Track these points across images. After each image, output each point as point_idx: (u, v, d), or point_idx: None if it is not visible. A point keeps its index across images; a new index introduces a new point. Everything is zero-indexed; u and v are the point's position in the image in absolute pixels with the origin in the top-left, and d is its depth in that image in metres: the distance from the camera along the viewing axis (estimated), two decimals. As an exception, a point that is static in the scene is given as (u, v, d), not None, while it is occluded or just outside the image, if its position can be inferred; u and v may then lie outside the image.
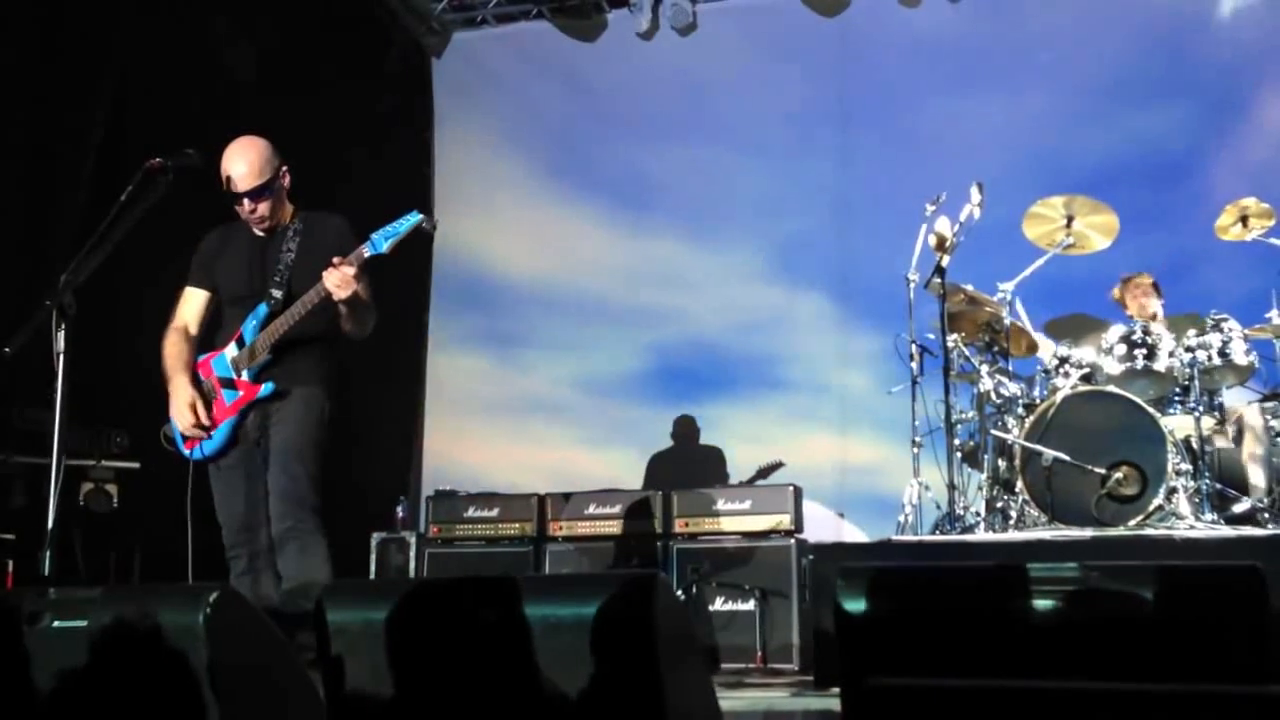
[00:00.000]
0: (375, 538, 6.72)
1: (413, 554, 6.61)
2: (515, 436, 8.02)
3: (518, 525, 6.53)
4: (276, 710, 2.46)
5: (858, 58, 7.66)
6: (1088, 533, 4.73)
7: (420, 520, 6.94)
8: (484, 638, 2.35)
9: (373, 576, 6.56)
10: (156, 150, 3.74)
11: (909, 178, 6.96)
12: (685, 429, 7.57)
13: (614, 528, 6.43)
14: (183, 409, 4.09)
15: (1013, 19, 7.37)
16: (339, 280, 3.89)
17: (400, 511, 6.99)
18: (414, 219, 3.96)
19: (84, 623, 2.41)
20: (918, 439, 5.53)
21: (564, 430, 7.96)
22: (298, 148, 4.33)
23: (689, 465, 7.40)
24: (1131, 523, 4.80)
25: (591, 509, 6.49)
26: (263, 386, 4.08)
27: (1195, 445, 5.06)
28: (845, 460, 7.31)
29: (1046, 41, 7.29)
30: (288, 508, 3.96)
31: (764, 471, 6.89)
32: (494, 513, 6.59)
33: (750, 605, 5.95)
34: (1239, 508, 5.16)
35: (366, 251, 3.96)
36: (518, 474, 7.52)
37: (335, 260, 3.91)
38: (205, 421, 4.08)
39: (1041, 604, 2.13)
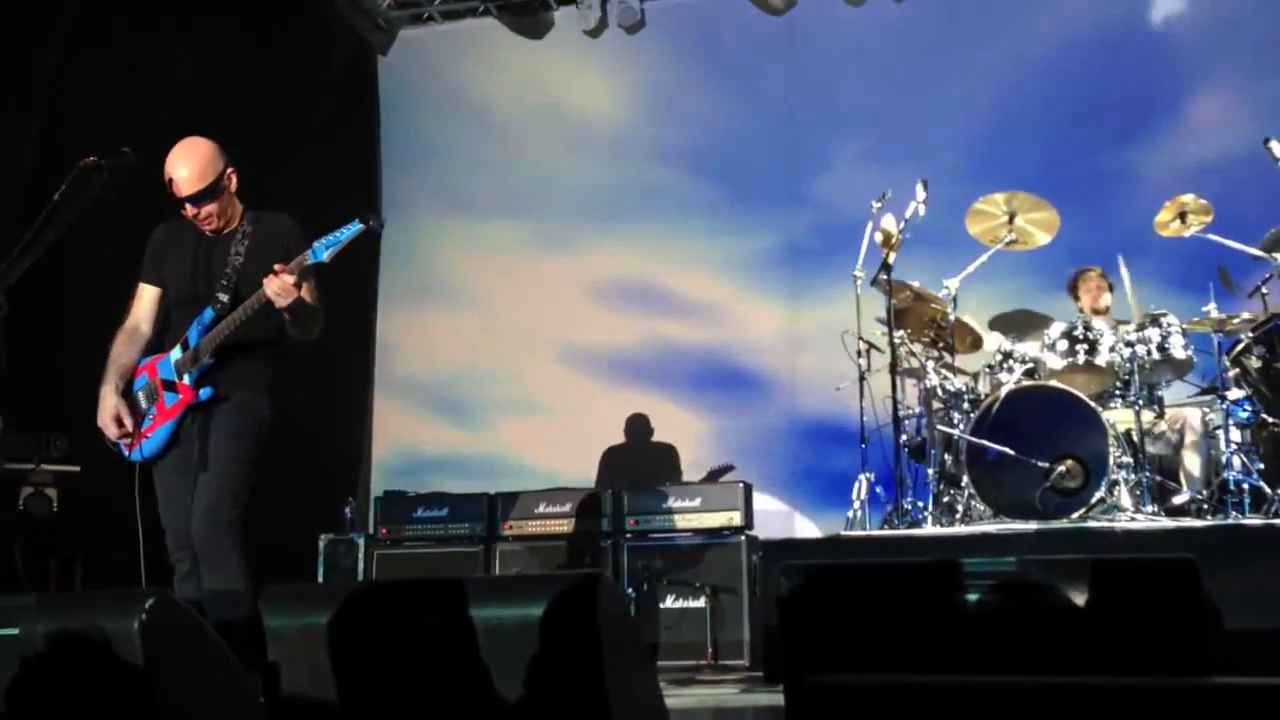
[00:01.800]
0: (323, 539, 6.65)
1: (361, 555, 6.55)
2: (468, 433, 7.99)
3: (467, 525, 6.50)
4: (216, 716, 2.43)
5: (804, 56, 7.71)
6: (1032, 526, 4.78)
7: (369, 521, 6.88)
8: (427, 641, 2.33)
9: (321, 578, 6.50)
10: (96, 149, 3.67)
11: (854, 175, 7.02)
12: (638, 426, 7.57)
13: (564, 526, 6.40)
14: (106, 421, 4.07)
15: (955, 18, 7.45)
16: (279, 288, 3.85)
17: (348, 512, 6.92)
18: (355, 228, 3.93)
19: (15, 631, 2.36)
20: (866, 435, 5.57)
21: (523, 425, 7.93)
22: (241, 146, 4.27)
23: (641, 463, 7.40)
24: (1074, 516, 4.86)
25: (541, 508, 6.46)
26: (200, 391, 4.03)
27: (1136, 439, 5.14)
28: (795, 455, 7.34)
29: (988, 40, 7.38)
30: (202, 523, 3.92)
31: (714, 474, 6.93)
32: (443, 513, 6.55)
33: (701, 602, 5.96)
34: (1178, 500, 5.25)
35: (307, 259, 3.92)
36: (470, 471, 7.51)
37: (276, 267, 3.87)
38: (129, 430, 4.05)
39: (981, 599, 2.15)
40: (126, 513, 4.04)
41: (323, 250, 3.92)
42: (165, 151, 4.10)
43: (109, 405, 4.07)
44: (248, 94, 6.86)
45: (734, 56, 7.83)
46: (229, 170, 4.10)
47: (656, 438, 7.56)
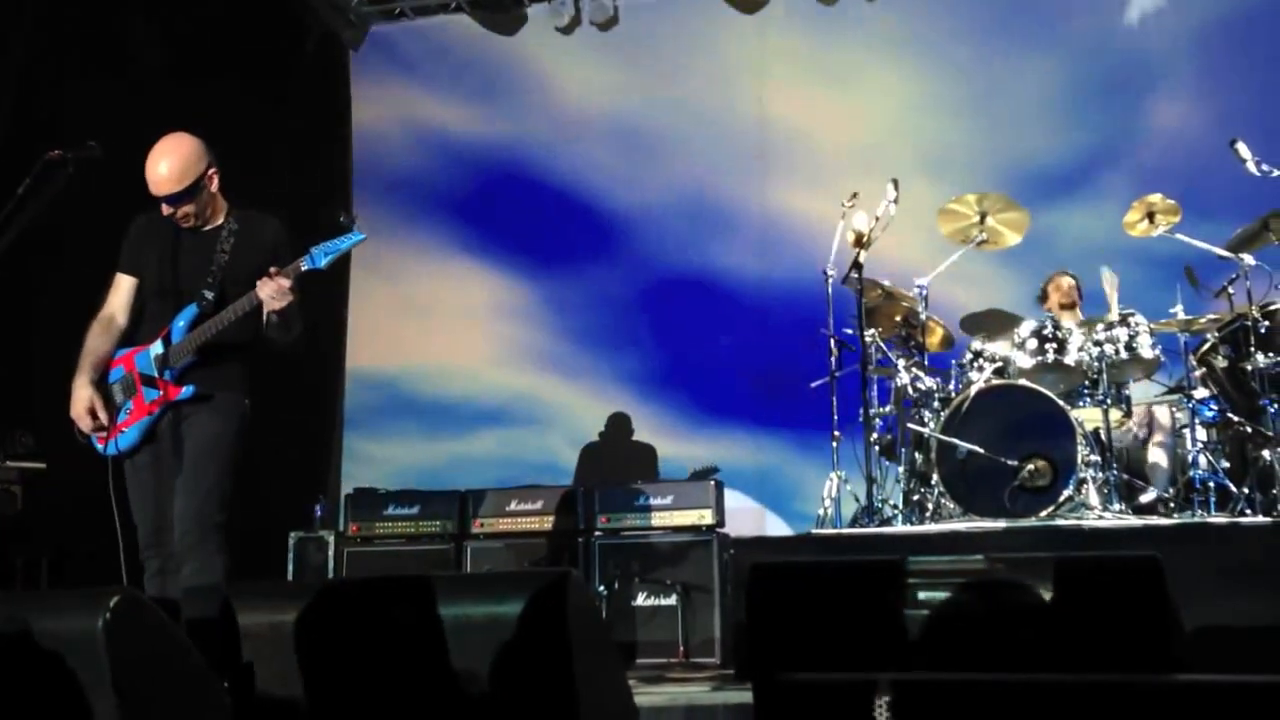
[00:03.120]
0: (293, 536, 6.62)
1: (331, 553, 6.52)
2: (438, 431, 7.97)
3: (438, 523, 6.47)
4: (183, 716, 2.40)
5: (776, 55, 7.73)
6: (1001, 524, 4.81)
7: (339, 518, 6.85)
8: (396, 638, 2.32)
9: (291, 576, 6.46)
10: (63, 142, 3.63)
11: (827, 174, 7.04)
12: (618, 425, 7.57)
13: (535, 524, 6.39)
14: (80, 413, 3.99)
15: (928, 17, 7.49)
16: (274, 291, 3.81)
17: (318, 510, 6.89)
18: (357, 238, 3.91)
19: (-22, 630, 2.33)
20: (836, 433, 5.59)
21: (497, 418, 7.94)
22: (213, 142, 4.22)
23: (619, 462, 7.40)
24: (1043, 514, 4.89)
25: (513, 505, 6.45)
26: (183, 389, 3.98)
27: (1103, 437, 5.18)
28: (766, 454, 7.36)
29: (960, 39, 7.42)
30: (190, 525, 3.86)
31: (697, 475, 6.95)
32: (414, 510, 6.52)
33: (672, 600, 5.96)
34: (1145, 498, 5.30)
35: (304, 265, 3.88)
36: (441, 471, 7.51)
37: (272, 270, 3.83)
38: (105, 423, 3.98)
39: (950, 597, 2.16)
40: (94, 511, 3.99)
41: (321, 258, 3.89)
42: (133, 145, 4.05)
43: (83, 397, 4.00)
44: (219, 89, 6.80)
45: (706, 54, 7.84)
46: (210, 171, 4.04)
47: (634, 436, 7.57)
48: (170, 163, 3.95)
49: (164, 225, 4.10)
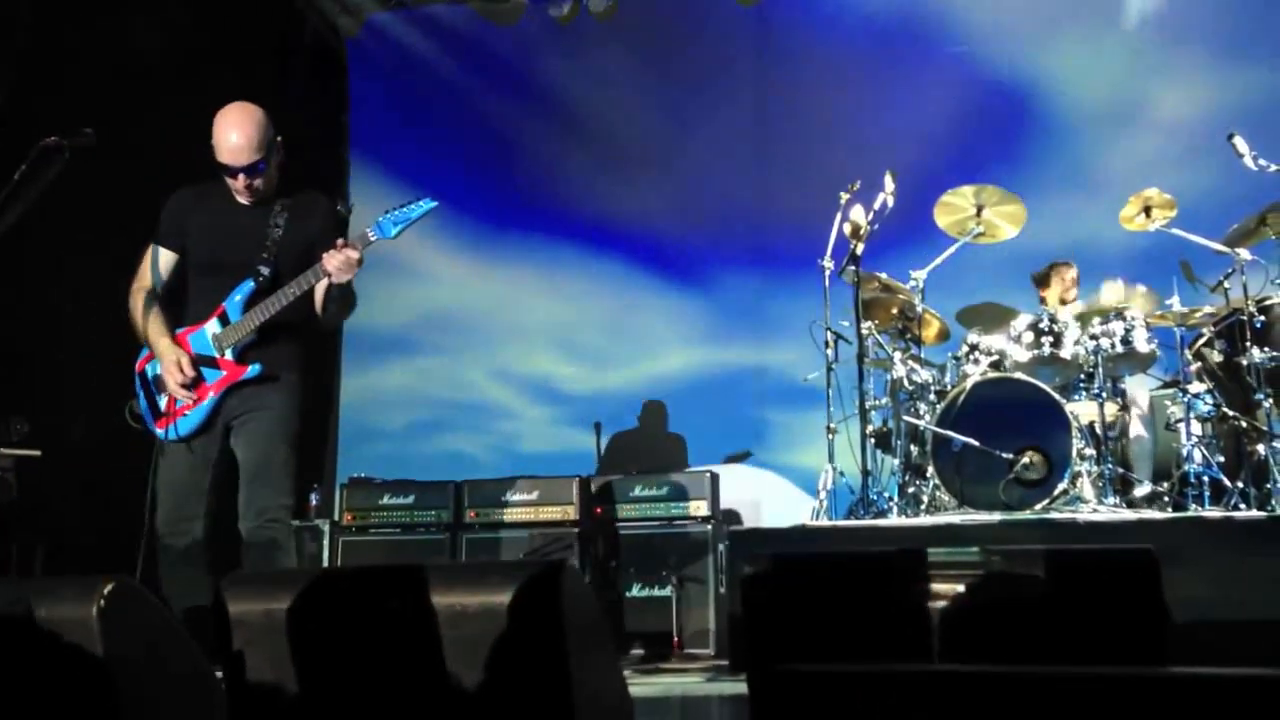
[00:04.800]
0: (288, 525, 6.61)
1: (326, 541, 6.52)
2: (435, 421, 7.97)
3: (434, 512, 6.47)
4: (176, 704, 2.40)
5: (774, 46, 7.72)
6: (995, 517, 4.81)
7: (334, 507, 6.85)
8: (389, 628, 2.32)
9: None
10: (58, 129, 3.62)
11: (824, 166, 7.04)
12: (654, 413, 7.56)
13: (531, 514, 6.40)
14: (171, 368, 3.81)
15: (927, 10, 7.48)
16: (342, 263, 3.74)
17: (313, 499, 6.88)
18: (428, 205, 3.84)
19: (-29, 617, 2.32)
20: (832, 425, 5.59)
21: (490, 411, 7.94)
22: (207, 130, 4.20)
23: (649, 450, 7.39)
24: (1038, 507, 4.90)
25: (508, 495, 6.45)
26: (250, 367, 3.88)
27: (1098, 431, 5.19)
28: (762, 446, 7.37)
29: (959, 34, 7.42)
30: (265, 504, 3.80)
31: (731, 459, 6.99)
32: (409, 499, 6.52)
33: (667, 591, 5.97)
34: (1139, 491, 5.31)
35: (373, 235, 3.81)
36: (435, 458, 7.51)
37: (339, 242, 3.76)
38: (191, 378, 3.83)
39: (945, 588, 2.16)
40: (91, 499, 3.97)
41: (391, 227, 3.82)
42: (129, 131, 4.03)
43: (174, 353, 3.83)
44: (216, 77, 6.78)
45: (704, 46, 7.82)
46: (279, 139, 3.98)
47: (669, 426, 7.59)
48: (247, 130, 3.86)
49: (211, 199, 4.00)
